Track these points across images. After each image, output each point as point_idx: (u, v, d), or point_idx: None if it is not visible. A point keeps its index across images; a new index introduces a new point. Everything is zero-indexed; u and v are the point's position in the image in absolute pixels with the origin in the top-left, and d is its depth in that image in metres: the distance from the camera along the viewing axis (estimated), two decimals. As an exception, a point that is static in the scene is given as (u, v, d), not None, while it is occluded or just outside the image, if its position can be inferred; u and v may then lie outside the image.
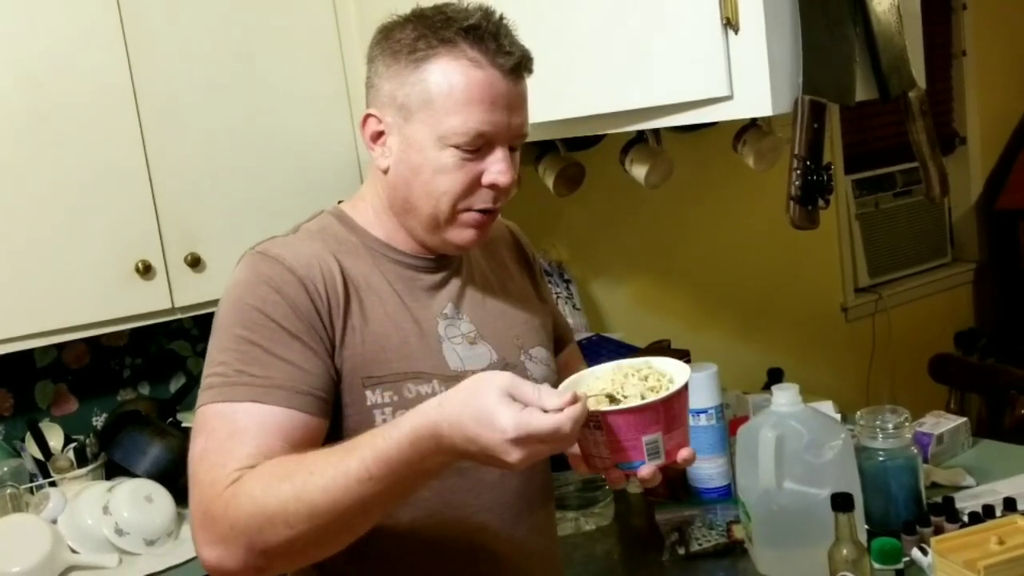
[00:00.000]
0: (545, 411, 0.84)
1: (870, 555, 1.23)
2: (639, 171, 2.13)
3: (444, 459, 0.88)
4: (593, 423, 0.90)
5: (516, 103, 1.06)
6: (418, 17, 1.06)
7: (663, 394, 0.90)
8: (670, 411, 0.90)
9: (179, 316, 1.88)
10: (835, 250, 3.21)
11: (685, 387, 0.92)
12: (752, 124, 2.24)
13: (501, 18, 1.06)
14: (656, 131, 2.26)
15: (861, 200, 3.30)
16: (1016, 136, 3.64)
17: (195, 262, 1.84)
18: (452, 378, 1.09)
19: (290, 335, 1.00)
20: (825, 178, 1.29)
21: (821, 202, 1.29)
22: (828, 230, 3.16)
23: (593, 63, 1.47)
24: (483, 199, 1.07)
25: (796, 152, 1.28)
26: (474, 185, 1.06)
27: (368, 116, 1.09)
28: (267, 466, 0.92)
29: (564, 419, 0.83)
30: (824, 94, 1.30)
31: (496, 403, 0.84)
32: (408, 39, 1.05)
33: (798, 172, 1.28)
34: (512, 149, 1.08)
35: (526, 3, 1.56)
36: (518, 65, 1.05)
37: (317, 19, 1.99)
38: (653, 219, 2.64)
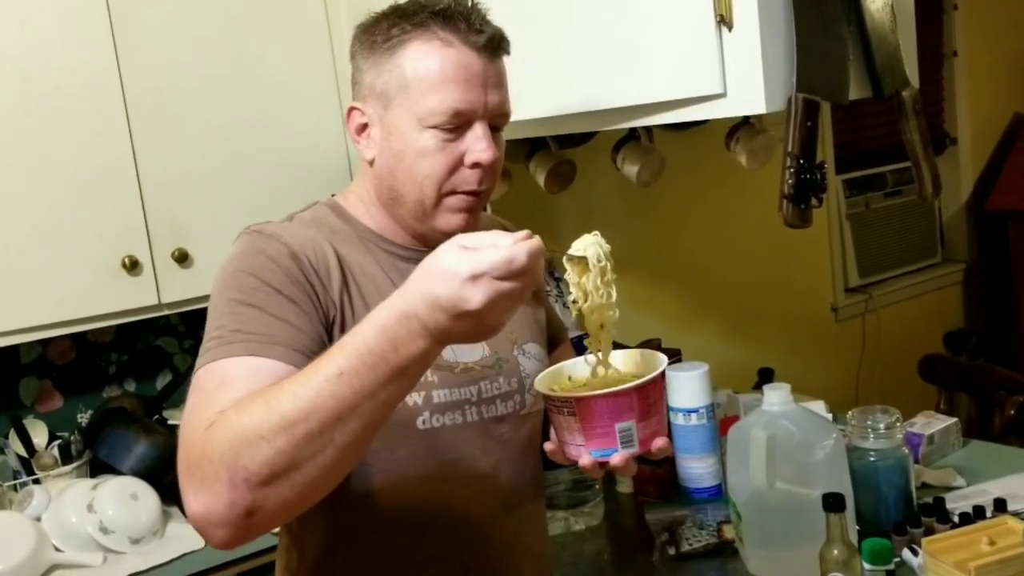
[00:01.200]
0: (496, 247, 0.81)
1: (861, 556, 1.23)
2: (631, 169, 2.12)
3: (419, 347, 0.83)
4: (568, 409, 0.90)
5: (493, 80, 1.06)
6: (392, 9, 1.09)
7: (636, 381, 0.90)
8: (645, 399, 0.90)
9: (166, 312, 1.86)
10: (825, 250, 3.21)
11: (661, 376, 0.92)
12: (745, 122, 2.24)
13: (474, 2, 1.08)
14: (648, 129, 2.25)
15: (852, 200, 3.31)
16: (1006, 137, 3.65)
17: (182, 258, 1.83)
18: (445, 368, 1.09)
19: (287, 298, 0.99)
20: (818, 176, 1.28)
21: (814, 200, 1.29)
22: (819, 230, 3.16)
23: (586, 59, 1.47)
24: (467, 180, 1.07)
25: (789, 150, 1.28)
26: (456, 165, 1.06)
27: (352, 109, 1.10)
28: (244, 397, 0.87)
29: (518, 249, 0.80)
30: (818, 92, 1.29)
31: (447, 253, 0.82)
32: (383, 29, 1.07)
33: (791, 170, 1.28)
34: (494, 129, 1.08)
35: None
36: (491, 41, 1.06)
37: (307, 14, 1.98)
38: (645, 217, 2.63)
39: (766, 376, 2.21)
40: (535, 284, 0.84)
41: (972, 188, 3.61)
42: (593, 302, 0.95)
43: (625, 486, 1.83)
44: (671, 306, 2.73)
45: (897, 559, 1.36)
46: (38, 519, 1.70)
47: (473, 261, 0.80)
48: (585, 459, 0.92)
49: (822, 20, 1.31)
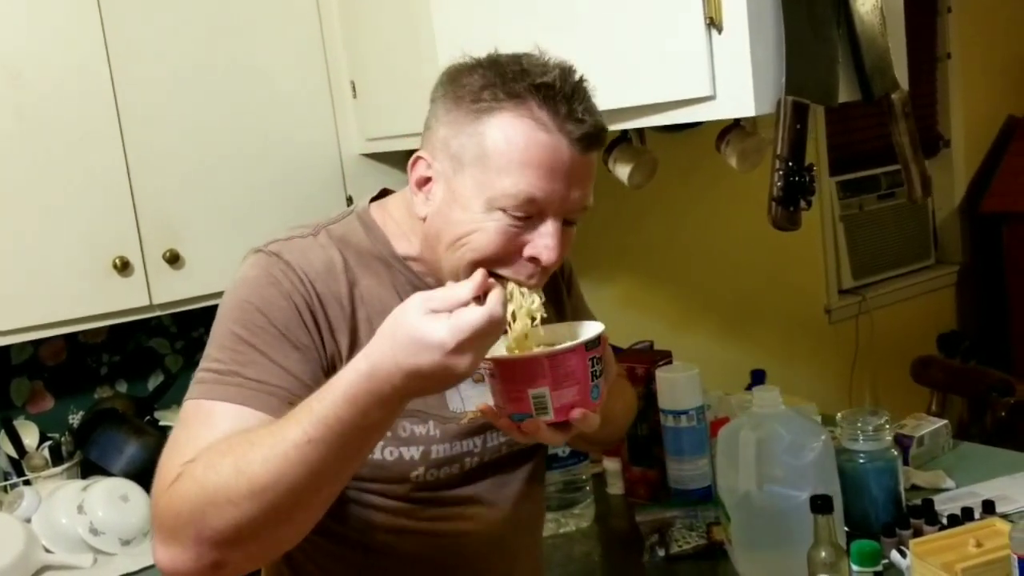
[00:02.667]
0: (465, 304, 0.81)
1: (849, 557, 1.23)
2: (622, 171, 2.12)
3: (389, 409, 0.83)
4: (489, 371, 0.92)
5: (579, 176, 0.96)
6: (491, 64, 0.98)
7: (547, 350, 0.91)
8: (558, 368, 0.90)
9: (158, 313, 1.86)
10: (819, 252, 3.21)
11: (582, 347, 0.92)
12: (736, 124, 2.24)
13: (581, 80, 0.98)
14: (640, 131, 2.25)
15: (845, 202, 3.31)
16: (1000, 139, 3.65)
17: (174, 259, 1.82)
18: (450, 420, 1.06)
19: (290, 343, 0.96)
20: (807, 179, 1.28)
21: (803, 203, 1.29)
22: (812, 232, 3.17)
23: (575, 61, 1.46)
24: (519, 271, 0.97)
25: (778, 153, 1.27)
26: (513, 254, 0.96)
27: (418, 158, 1.00)
28: (212, 446, 0.87)
29: (492, 304, 0.81)
30: (807, 95, 1.29)
31: (420, 323, 0.80)
32: (474, 86, 0.96)
33: (780, 173, 1.28)
34: (567, 223, 0.99)
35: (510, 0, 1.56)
36: (589, 135, 0.95)
37: (299, 14, 1.98)
38: (638, 219, 2.63)
39: (758, 378, 2.20)
40: (496, 339, 0.84)
41: (966, 190, 3.62)
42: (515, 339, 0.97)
43: (616, 488, 1.83)
44: (664, 308, 2.73)
45: (886, 561, 1.36)
46: (28, 520, 1.70)
47: (454, 331, 0.80)
48: (502, 419, 0.94)
49: (812, 23, 1.31)
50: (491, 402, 0.98)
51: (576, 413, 0.91)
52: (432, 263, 1.03)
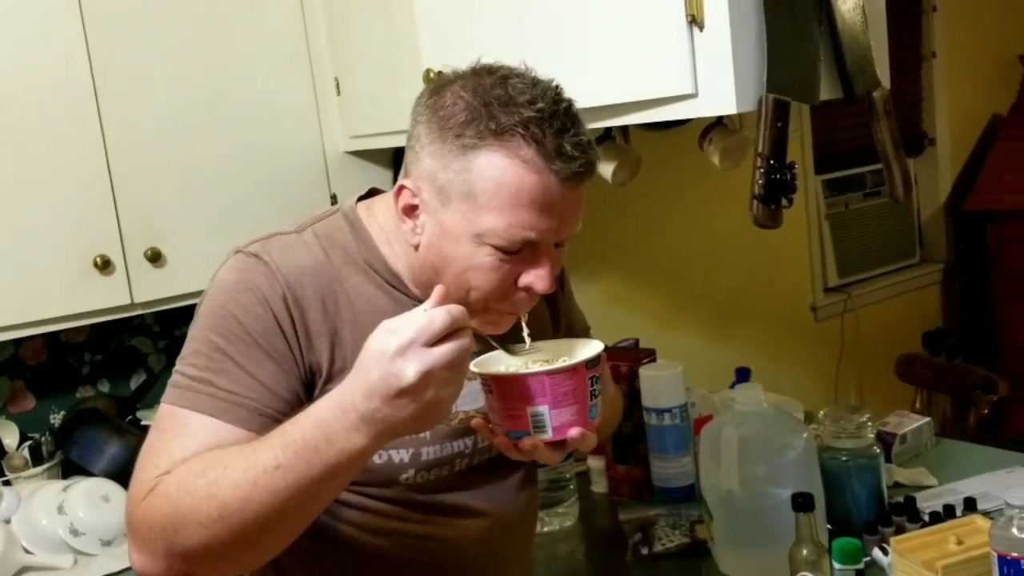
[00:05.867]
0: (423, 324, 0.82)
1: (830, 555, 1.23)
2: (606, 169, 2.12)
3: (355, 442, 0.82)
4: (487, 387, 0.92)
5: (570, 210, 0.95)
6: (475, 90, 0.93)
7: (547, 367, 0.91)
8: (558, 386, 0.90)
9: (139, 312, 1.85)
10: (805, 250, 3.22)
11: (582, 367, 0.91)
12: (718, 122, 2.24)
13: (570, 105, 0.95)
14: (624, 129, 2.25)
15: (831, 200, 3.32)
16: (985, 138, 3.67)
17: (155, 257, 1.81)
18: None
19: (265, 353, 0.95)
20: (788, 177, 1.28)
21: (784, 201, 1.29)
22: (798, 230, 3.18)
23: (557, 59, 1.45)
24: (515, 303, 0.98)
25: (759, 151, 1.27)
26: (511, 287, 0.97)
27: (402, 188, 0.98)
28: (188, 463, 0.88)
29: (435, 312, 0.81)
30: (788, 93, 1.29)
31: (375, 339, 0.82)
32: (458, 119, 0.92)
33: (761, 171, 1.28)
34: (557, 245, 0.99)
35: (491, -3, 1.55)
36: (580, 173, 0.93)
37: (283, 12, 1.97)
38: (623, 217, 2.63)
39: (743, 376, 2.21)
40: (468, 350, 0.83)
41: (951, 189, 3.64)
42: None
43: (600, 486, 1.83)
44: (650, 306, 2.73)
45: (867, 558, 1.36)
46: (8, 521, 1.68)
47: (398, 336, 0.80)
48: (499, 437, 0.93)
49: (793, 21, 1.31)
50: (481, 402, 0.97)
51: (574, 432, 0.91)
52: (429, 287, 0.98)
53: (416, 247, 1.00)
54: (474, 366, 0.94)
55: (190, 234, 1.84)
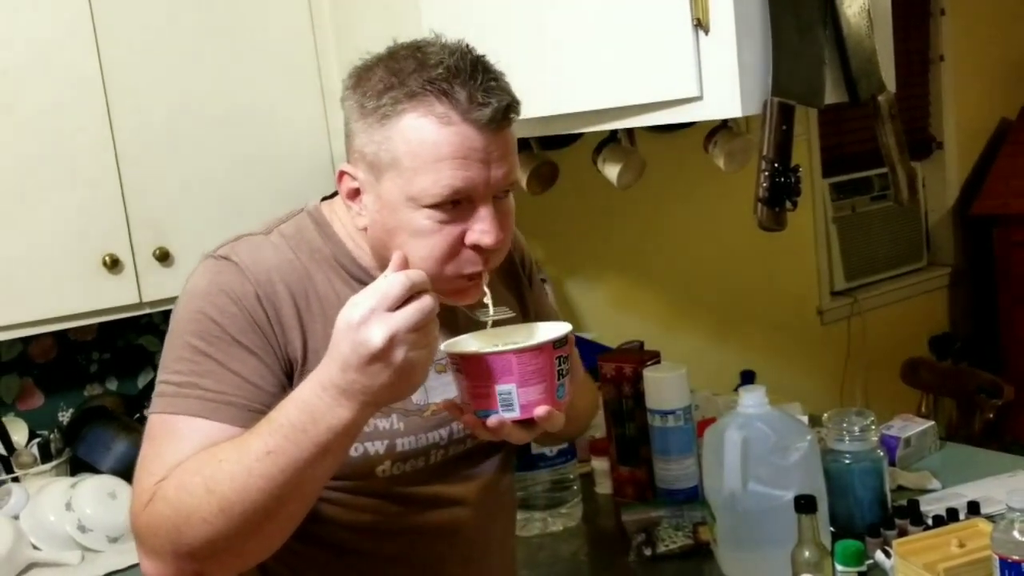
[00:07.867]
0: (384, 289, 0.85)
1: (833, 557, 1.23)
2: (611, 171, 2.13)
3: (340, 416, 0.85)
4: (456, 366, 0.94)
5: (497, 154, 0.96)
6: (389, 59, 0.97)
7: (513, 346, 0.92)
8: (525, 365, 0.91)
9: (147, 311, 1.86)
10: (811, 253, 3.22)
11: (549, 346, 0.93)
12: (723, 125, 2.25)
13: (479, 59, 0.96)
14: (630, 131, 2.26)
15: (838, 204, 3.32)
16: (992, 142, 3.66)
17: (164, 256, 1.82)
18: (413, 413, 1.06)
19: (246, 350, 0.97)
20: (792, 180, 1.29)
21: (788, 204, 1.30)
22: (804, 233, 3.18)
23: (565, 62, 1.47)
24: (470, 262, 0.98)
25: (764, 154, 1.28)
26: (456, 247, 0.97)
27: (342, 173, 1.01)
28: (183, 464, 0.90)
29: (393, 277, 0.84)
30: (793, 96, 1.30)
31: (341, 315, 0.85)
32: (375, 90, 0.96)
33: (766, 174, 1.29)
34: (498, 198, 0.99)
35: (499, 2, 1.56)
36: (495, 115, 0.94)
37: (291, 16, 1.98)
38: (629, 220, 2.64)
39: (748, 378, 2.21)
40: (432, 310, 0.85)
41: (958, 193, 3.63)
42: None
43: (604, 487, 1.83)
44: (655, 308, 2.74)
45: (870, 561, 1.37)
46: (16, 517, 1.69)
47: (361, 306, 0.83)
48: (467, 416, 0.95)
49: (798, 25, 1.31)
50: (454, 394, 0.99)
51: (541, 410, 0.92)
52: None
53: (365, 229, 1.02)
54: (444, 347, 0.96)
55: (198, 234, 1.85)
